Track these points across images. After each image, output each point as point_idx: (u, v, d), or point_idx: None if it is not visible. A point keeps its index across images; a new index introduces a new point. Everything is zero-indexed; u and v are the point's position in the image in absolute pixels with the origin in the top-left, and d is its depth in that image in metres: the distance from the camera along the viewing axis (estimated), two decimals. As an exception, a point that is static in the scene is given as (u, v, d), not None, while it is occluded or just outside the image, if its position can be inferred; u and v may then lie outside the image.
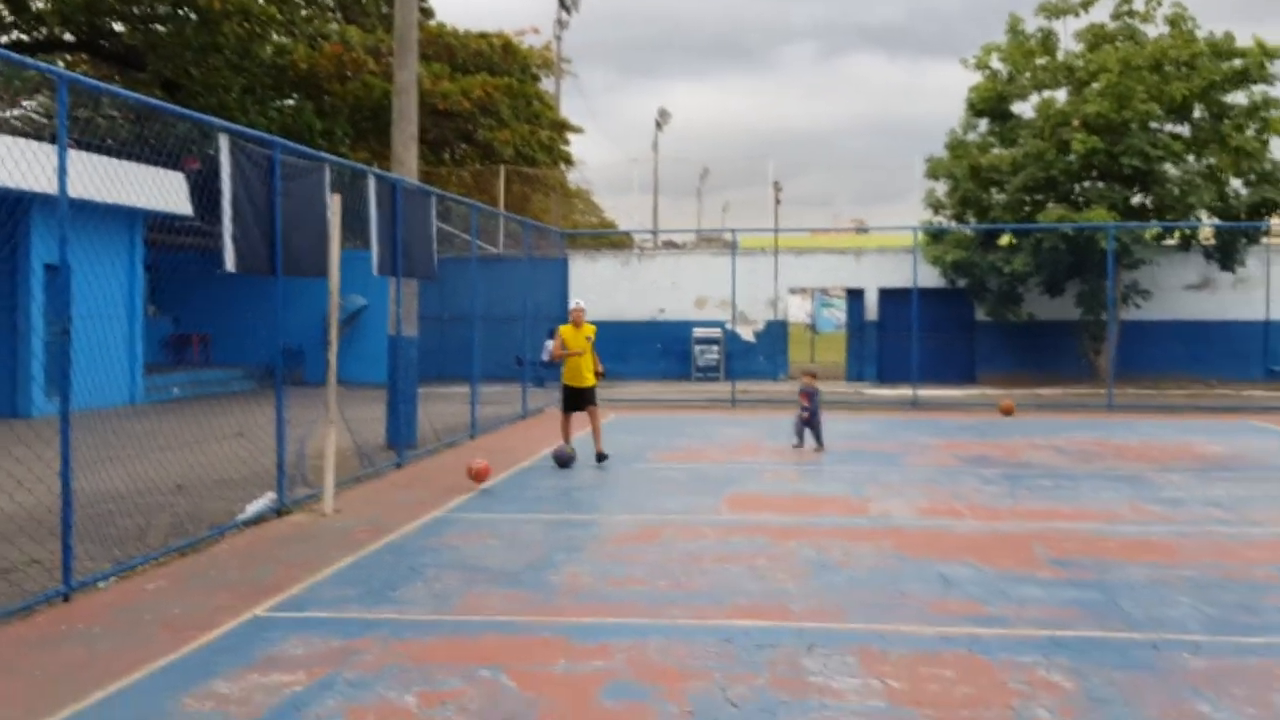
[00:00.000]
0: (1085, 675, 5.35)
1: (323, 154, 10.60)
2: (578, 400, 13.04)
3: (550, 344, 26.38)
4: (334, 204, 9.90)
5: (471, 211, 15.38)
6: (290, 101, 28.43)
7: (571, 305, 13.20)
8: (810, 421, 13.92)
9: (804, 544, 8.38)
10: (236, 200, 9.11)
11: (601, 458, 12.69)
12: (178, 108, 9.20)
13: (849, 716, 4.83)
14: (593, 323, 13.37)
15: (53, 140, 7.57)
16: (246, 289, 15.36)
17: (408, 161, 14.70)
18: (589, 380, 13.02)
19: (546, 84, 40.04)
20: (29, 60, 7.18)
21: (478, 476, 11.03)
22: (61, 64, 27.68)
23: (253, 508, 9.65)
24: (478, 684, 5.24)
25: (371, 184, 12.01)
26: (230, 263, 9.01)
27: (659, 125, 54.42)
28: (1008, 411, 18.86)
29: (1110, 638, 5.98)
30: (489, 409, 18.40)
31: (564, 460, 12.32)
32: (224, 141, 8.96)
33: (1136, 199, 23.95)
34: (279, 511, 9.75)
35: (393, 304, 14.32)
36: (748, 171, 58.69)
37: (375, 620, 6.34)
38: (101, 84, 8.62)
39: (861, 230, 47.03)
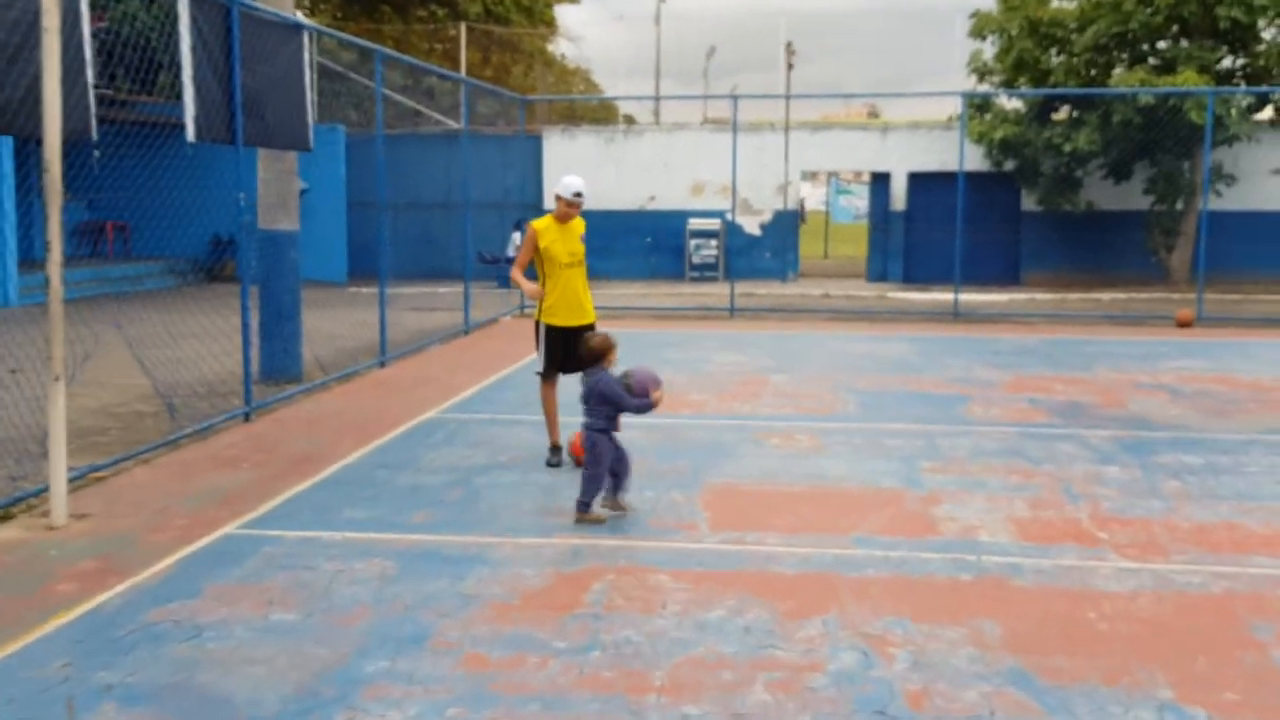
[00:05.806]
0: None
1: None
2: (570, 353, 7.02)
3: (517, 237, 22.44)
4: (49, 11, 5.86)
5: (375, 57, 11.25)
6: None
7: (560, 189, 7.09)
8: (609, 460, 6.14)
9: (840, 634, 4.59)
10: None
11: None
12: None
13: None
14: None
15: None
16: (177, 170, 12.62)
17: (279, -14, 10.56)
18: (589, 315, 7.31)
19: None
20: None
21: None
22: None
23: (-76, 519, 5.91)
24: None
25: (184, 6, 7.97)
26: None
27: (660, -5, 49.40)
28: (1186, 323, 15.34)
29: None
30: (419, 320, 14.56)
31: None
32: None
33: (1225, 63, 19.62)
34: (-18, 521, 6.00)
35: (262, 186, 10.48)
36: (757, 57, 53.68)
37: None
38: None
39: (873, 115, 42.20)
